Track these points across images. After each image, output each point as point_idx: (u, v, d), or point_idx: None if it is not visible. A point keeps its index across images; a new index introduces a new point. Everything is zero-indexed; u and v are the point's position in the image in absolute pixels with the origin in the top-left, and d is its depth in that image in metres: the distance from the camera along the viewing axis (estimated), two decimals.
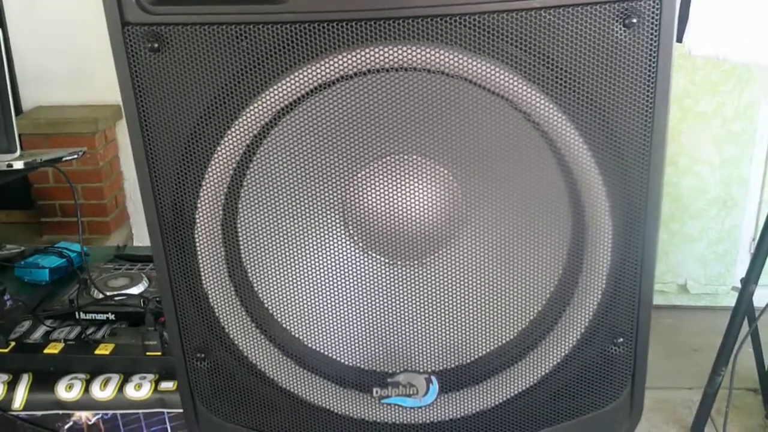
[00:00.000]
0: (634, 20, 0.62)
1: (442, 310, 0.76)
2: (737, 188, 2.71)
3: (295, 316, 0.77)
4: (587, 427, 0.79)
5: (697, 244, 2.79)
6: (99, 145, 2.70)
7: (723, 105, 2.61)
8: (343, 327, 0.77)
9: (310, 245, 0.75)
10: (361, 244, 0.75)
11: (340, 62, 0.64)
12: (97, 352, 1.10)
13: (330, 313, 0.77)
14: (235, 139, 0.69)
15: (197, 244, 0.73)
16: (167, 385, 1.08)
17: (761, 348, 1.97)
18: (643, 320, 0.75)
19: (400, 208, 0.72)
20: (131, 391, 1.07)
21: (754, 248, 2.01)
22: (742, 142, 2.64)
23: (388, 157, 0.70)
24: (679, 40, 1.55)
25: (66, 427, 1.08)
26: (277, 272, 0.75)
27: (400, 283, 0.76)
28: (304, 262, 0.75)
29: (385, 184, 0.72)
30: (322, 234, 0.74)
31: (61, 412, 1.07)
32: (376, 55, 0.64)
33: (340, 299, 0.76)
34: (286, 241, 0.74)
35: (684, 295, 2.86)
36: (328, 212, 0.74)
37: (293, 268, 0.75)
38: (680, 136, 2.65)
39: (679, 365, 2.45)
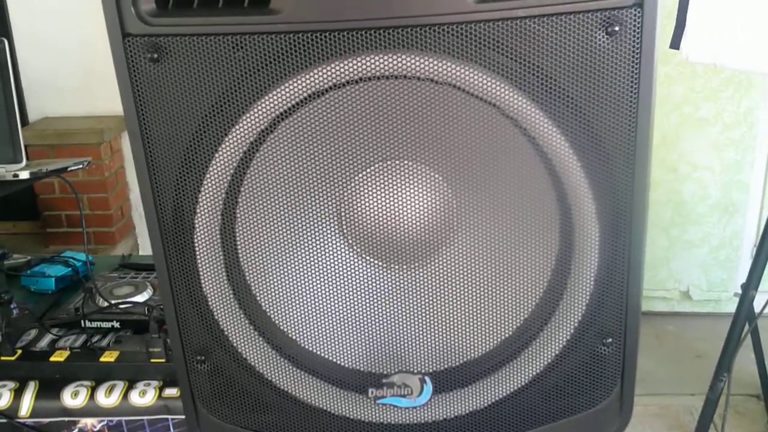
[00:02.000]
0: (617, 28, 0.64)
1: (436, 313, 0.77)
2: (738, 194, 2.71)
3: (292, 318, 0.78)
4: (578, 426, 0.80)
5: (698, 250, 2.79)
6: (104, 155, 2.72)
7: (723, 111, 2.62)
8: (340, 329, 0.78)
9: (307, 249, 0.76)
10: (356, 249, 0.76)
11: (333, 71, 0.66)
12: (102, 359, 1.11)
13: (326, 316, 0.78)
14: (232, 146, 0.70)
15: (197, 249, 0.75)
16: (171, 391, 1.09)
17: (763, 354, 1.97)
18: (631, 320, 0.75)
19: (394, 212, 0.74)
20: (136, 398, 1.08)
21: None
22: (743, 148, 2.65)
23: (381, 163, 0.72)
24: (677, 46, 1.56)
25: None
26: (275, 276, 0.77)
27: (395, 287, 0.77)
28: (301, 266, 0.76)
29: (379, 189, 0.73)
30: (318, 238, 0.76)
31: (66, 419, 1.08)
32: (368, 64, 0.66)
33: (337, 302, 0.77)
34: (283, 245, 0.76)
35: (686, 301, 2.86)
36: (324, 217, 0.75)
37: (290, 272, 0.77)
38: (680, 143, 2.66)
39: (681, 371, 2.45)
